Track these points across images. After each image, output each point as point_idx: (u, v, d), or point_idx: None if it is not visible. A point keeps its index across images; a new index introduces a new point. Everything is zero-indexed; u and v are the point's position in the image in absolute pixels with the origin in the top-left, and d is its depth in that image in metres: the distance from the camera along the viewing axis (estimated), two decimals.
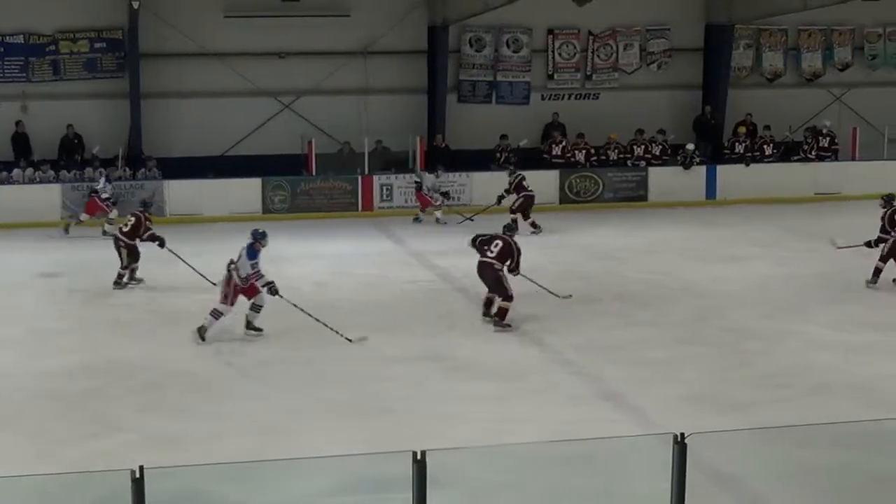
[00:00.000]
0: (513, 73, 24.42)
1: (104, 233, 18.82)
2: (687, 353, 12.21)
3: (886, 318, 13.61)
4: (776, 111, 24.79)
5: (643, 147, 23.69)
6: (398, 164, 22.95)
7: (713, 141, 24.54)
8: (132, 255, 15.47)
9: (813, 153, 24.04)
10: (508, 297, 13.12)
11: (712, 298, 14.78)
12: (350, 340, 12.42)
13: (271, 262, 16.90)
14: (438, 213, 21.01)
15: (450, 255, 16.79)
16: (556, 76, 24.69)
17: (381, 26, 23.37)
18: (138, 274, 15.63)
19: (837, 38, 25.97)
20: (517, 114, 24.21)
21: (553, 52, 24.61)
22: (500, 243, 13.32)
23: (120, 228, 15.67)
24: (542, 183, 21.55)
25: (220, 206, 20.84)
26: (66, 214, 20.25)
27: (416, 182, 21.59)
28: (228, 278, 12.60)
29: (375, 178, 22.08)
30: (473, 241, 13.66)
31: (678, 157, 23.45)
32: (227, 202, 20.72)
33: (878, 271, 15.12)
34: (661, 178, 23.16)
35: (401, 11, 23.45)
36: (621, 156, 23.60)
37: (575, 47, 24.67)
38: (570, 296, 14.34)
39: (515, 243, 13.44)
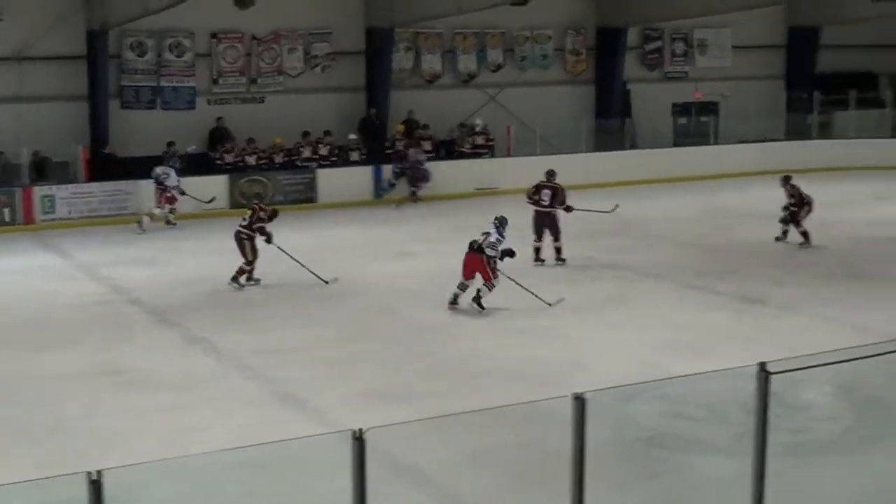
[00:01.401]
0: (177, 77, 24.08)
1: (168, 223, 20.73)
2: (362, 350, 12.58)
3: (535, 304, 14.42)
4: (437, 111, 25.89)
5: (310, 149, 24.03)
6: (59, 174, 22.07)
7: (378, 141, 25.25)
8: (254, 250, 15.01)
9: (469, 150, 25.23)
10: (559, 237, 16.17)
11: (384, 295, 15.25)
12: (550, 304, 13.74)
13: None
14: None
15: (119, 265, 16.41)
16: (221, 80, 24.57)
17: (36, 30, 22.41)
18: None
19: (490, 40, 27.38)
20: (183, 119, 23.92)
21: (217, 56, 24.47)
22: (549, 190, 16.14)
23: (239, 223, 15.15)
24: (212, 188, 21.40)
25: None
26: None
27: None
28: (487, 259, 13.71)
29: (36, 189, 21.12)
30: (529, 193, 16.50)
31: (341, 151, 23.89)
32: None
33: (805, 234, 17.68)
34: (330, 179, 23.58)
35: (57, 15, 22.57)
36: (286, 158, 23.82)
37: (239, 51, 24.65)
38: (614, 209, 17.41)
39: (559, 185, 16.22)
